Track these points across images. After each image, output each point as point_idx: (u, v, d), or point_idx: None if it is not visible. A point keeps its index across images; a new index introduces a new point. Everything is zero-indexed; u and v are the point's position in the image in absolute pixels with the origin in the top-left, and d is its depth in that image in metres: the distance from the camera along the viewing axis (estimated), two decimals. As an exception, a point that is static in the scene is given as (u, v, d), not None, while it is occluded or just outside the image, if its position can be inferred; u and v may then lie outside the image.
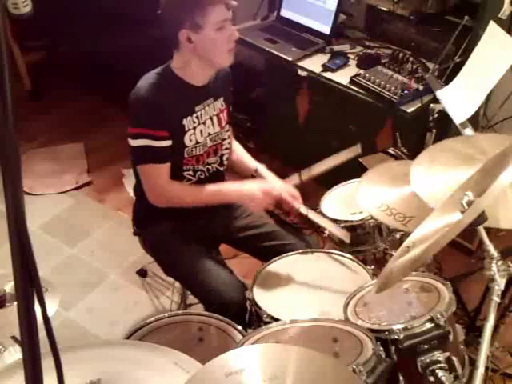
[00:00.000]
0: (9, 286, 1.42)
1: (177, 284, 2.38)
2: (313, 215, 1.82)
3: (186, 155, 1.73)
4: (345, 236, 1.79)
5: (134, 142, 1.66)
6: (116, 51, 3.29)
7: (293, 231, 1.89)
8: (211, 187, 1.77)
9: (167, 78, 1.67)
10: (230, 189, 1.78)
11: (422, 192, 1.39)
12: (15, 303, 0.63)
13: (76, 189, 3.18)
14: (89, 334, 2.34)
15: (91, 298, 2.53)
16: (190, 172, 1.78)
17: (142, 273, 2.59)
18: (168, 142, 1.67)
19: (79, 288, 2.56)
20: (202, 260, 1.76)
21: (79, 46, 3.86)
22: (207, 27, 1.57)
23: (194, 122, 1.72)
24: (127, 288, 2.57)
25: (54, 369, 0.68)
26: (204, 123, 1.75)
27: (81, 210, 3.06)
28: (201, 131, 1.74)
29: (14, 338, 1.46)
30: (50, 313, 0.66)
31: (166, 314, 1.50)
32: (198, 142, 1.74)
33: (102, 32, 3.41)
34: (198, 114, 1.73)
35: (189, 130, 1.71)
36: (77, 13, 3.47)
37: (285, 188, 1.81)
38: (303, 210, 1.80)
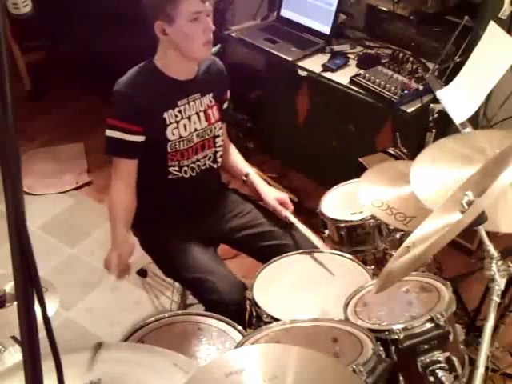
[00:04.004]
0: (9, 286, 1.42)
1: (177, 284, 2.38)
2: (298, 224, 1.84)
3: (169, 149, 1.72)
4: (324, 247, 1.78)
5: (108, 132, 1.69)
6: (116, 51, 3.29)
7: (291, 231, 1.89)
8: (118, 220, 1.72)
9: (148, 72, 1.69)
10: (117, 232, 1.72)
11: (422, 195, 1.38)
12: (15, 303, 0.63)
13: (76, 189, 3.18)
14: (89, 334, 2.34)
15: (91, 298, 2.52)
16: (176, 168, 1.77)
17: (142, 273, 2.58)
18: (140, 138, 1.68)
19: (79, 288, 2.56)
20: (200, 258, 1.76)
21: (79, 46, 3.86)
22: (179, 19, 1.57)
23: (177, 116, 1.72)
24: (127, 288, 2.57)
25: (54, 369, 0.68)
26: (189, 118, 1.74)
27: (81, 210, 3.06)
28: (184, 126, 1.74)
29: (14, 338, 1.46)
30: (49, 313, 0.66)
31: (166, 314, 1.50)
32: (181, 137, 1.73)
33: (102, 32, 3.41)
34: (181, 108, 1.73)
35: (170, 123, 1.71)
36: (77, 13, 3.47)
37: (273, 196, 1.88)
38: (290, 217, 1.85)
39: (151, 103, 1.66)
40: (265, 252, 1.80)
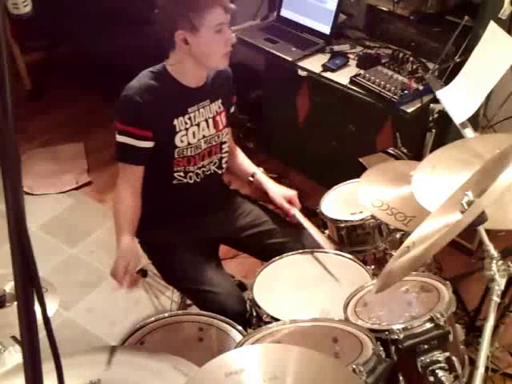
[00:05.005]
0: (9, 286, 1.42)
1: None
2: (305, 223, 1.84)
3: (176, 155, 1.72)
4: (329, 247, 1.80)
5: (118, 138, 1.66)
6: (116, 51, 3.29)
7: (295, 228, 1.88)
8: (124, 226, 1.66)
9: (160, 78, 1.67)
10: (123, 239, 1.64)
11: (424, 201, 1.37)
12: (15, 303, 0.63)
13: (76, 189, 3.18)
14: (89, 334, 2.34)
15: (91, 298, 2.52)
16: (181, 173, 1.76)
17: (142, 273, 2.58)
18: (150, 144, 1.67)
19: (79, 288, 2.56)
20: (203, 269, 1.74)
21: (79, 46, 3.86)
22: (204, 29, 1.56)
23: (186, 123, 1.71)
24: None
25: (53, 370, 0.68)
26: (198, 125, 1.73)
27: (81, 210, 3.05)
28: (193, 133, 1.73)
29: (14, 338, 1.46)
30: (49, 313, 0.66)
31: (166, 314, 1.50)
32: (189, 144, 1.72)
33: (102, 32, 3.41)
34: (191, 115, 1.72)
35: (180, 130, 1.70)
36: (77, 13, 3.47)
37: (281, 193, 1.88)
38: (297, 215, 1.85)
39: (162, 109, 1.65)
40: (268, 250, 1.80)
